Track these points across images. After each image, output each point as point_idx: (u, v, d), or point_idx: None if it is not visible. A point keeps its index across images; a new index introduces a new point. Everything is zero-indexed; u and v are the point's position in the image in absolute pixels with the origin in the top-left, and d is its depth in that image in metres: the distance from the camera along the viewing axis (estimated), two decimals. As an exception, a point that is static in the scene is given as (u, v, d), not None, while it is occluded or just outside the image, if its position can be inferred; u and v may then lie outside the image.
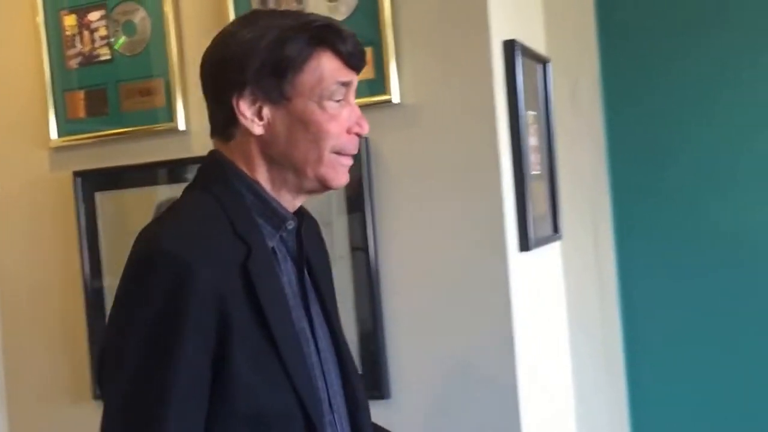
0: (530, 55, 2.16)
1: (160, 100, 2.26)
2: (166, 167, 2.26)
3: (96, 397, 2.18)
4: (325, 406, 1.42)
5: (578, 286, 2.65)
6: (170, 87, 2.23)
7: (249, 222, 1.39)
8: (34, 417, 2.39)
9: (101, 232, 2.31)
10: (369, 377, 2.01)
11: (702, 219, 2.96)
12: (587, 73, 3.05)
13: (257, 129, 1.37)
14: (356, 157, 2.02)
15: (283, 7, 2.09)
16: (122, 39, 2.29)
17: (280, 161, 1.40)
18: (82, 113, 2.34)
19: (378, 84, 2.02)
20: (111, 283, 2.28)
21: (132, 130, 2.28)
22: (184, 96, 2.23)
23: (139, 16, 2.27)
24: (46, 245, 2.37)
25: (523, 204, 2.04)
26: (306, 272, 1.47)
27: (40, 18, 2.33)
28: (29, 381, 2.40)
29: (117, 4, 2.28)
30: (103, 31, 2.30)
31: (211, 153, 1.44)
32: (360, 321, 2.05)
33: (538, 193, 2.20)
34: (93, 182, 2.31)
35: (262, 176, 1.40)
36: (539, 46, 2.32)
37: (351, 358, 1.54)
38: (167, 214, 1.41)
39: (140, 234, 1.37)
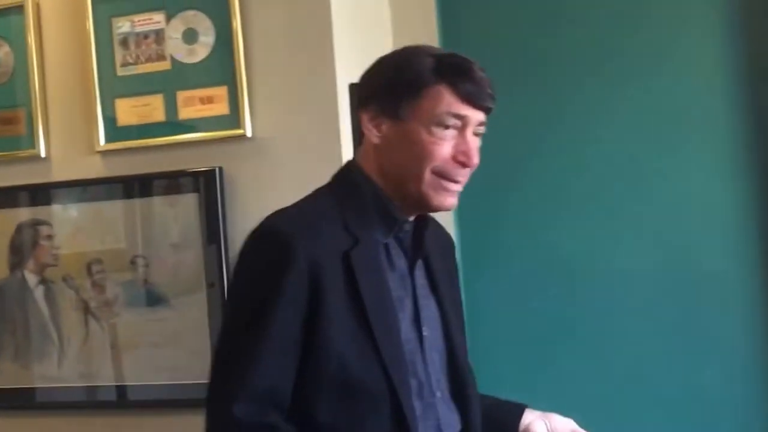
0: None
1: (22, 128, 2.36)
2: (27, 191, 2.37)
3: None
4: (426, 389, 1.54)
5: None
6: (32, 116, 2.34)
7: (363, 219, 1.54)
8: None
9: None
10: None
11: (542, 244, 3.12)
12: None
13: (374, 138, 1.54)
14: (210, 190, 2.19)
15: (142, 48, 2.26)
16: (-13, 70, 2.38)
17: (388, 171, 1.55)
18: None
19: (232, 119, 2.20)
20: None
21: (-6, 156, 2.39)
22: (45, 124, 2.34)
23: (4, 51, 2.38)
24: None
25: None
26: (423, 269, 1.61)
27: None
28: None
29: (-19, 38, 2.38)
30: (-30, 63, 2.38)
31: (348, 161, 1.64)
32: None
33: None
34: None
35: (379, 182, 1.56)
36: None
37: (465, 354, 1.68)
38: (292, 205, 1.58)
39: (270, 214, 1.56)
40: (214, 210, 2.18)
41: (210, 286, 2.19)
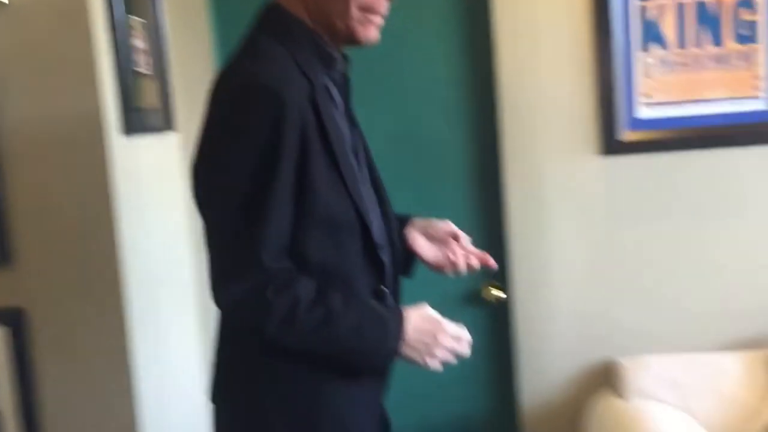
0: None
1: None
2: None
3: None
4: (373, 212, 1.73)
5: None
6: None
7: (309, 62, 1.62)
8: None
9: None
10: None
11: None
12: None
13: None
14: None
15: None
16: None
17: (314, 10, 1.63)
18: None
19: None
20: None
21: None
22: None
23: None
24: None
25: (127, 95, 2.32)
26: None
27: None
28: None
29: None
30: None
31: (268, 4, 1.67)
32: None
33: (148, 89, 2.53)
34: None
35: (307, 22, 1.64)
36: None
37: (384, 188, 1.84)
38: (248, 57, 1.61)
39: (227, 73, 1.59)
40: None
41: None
